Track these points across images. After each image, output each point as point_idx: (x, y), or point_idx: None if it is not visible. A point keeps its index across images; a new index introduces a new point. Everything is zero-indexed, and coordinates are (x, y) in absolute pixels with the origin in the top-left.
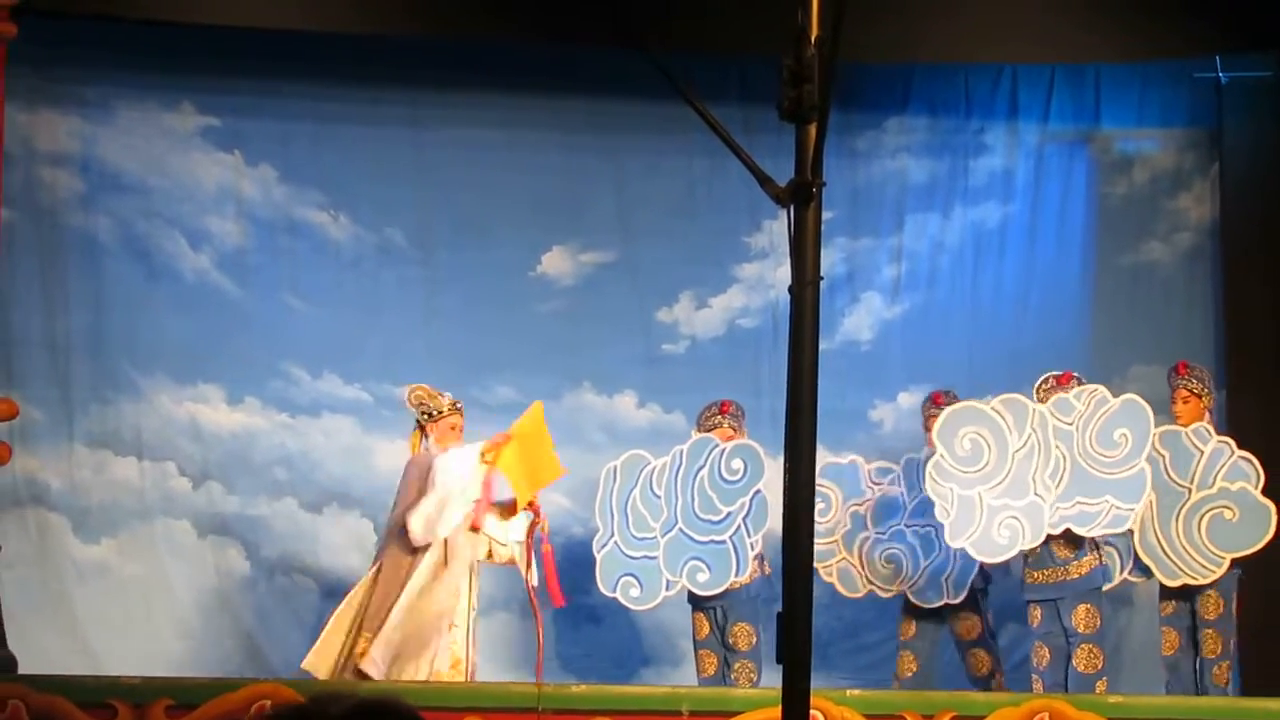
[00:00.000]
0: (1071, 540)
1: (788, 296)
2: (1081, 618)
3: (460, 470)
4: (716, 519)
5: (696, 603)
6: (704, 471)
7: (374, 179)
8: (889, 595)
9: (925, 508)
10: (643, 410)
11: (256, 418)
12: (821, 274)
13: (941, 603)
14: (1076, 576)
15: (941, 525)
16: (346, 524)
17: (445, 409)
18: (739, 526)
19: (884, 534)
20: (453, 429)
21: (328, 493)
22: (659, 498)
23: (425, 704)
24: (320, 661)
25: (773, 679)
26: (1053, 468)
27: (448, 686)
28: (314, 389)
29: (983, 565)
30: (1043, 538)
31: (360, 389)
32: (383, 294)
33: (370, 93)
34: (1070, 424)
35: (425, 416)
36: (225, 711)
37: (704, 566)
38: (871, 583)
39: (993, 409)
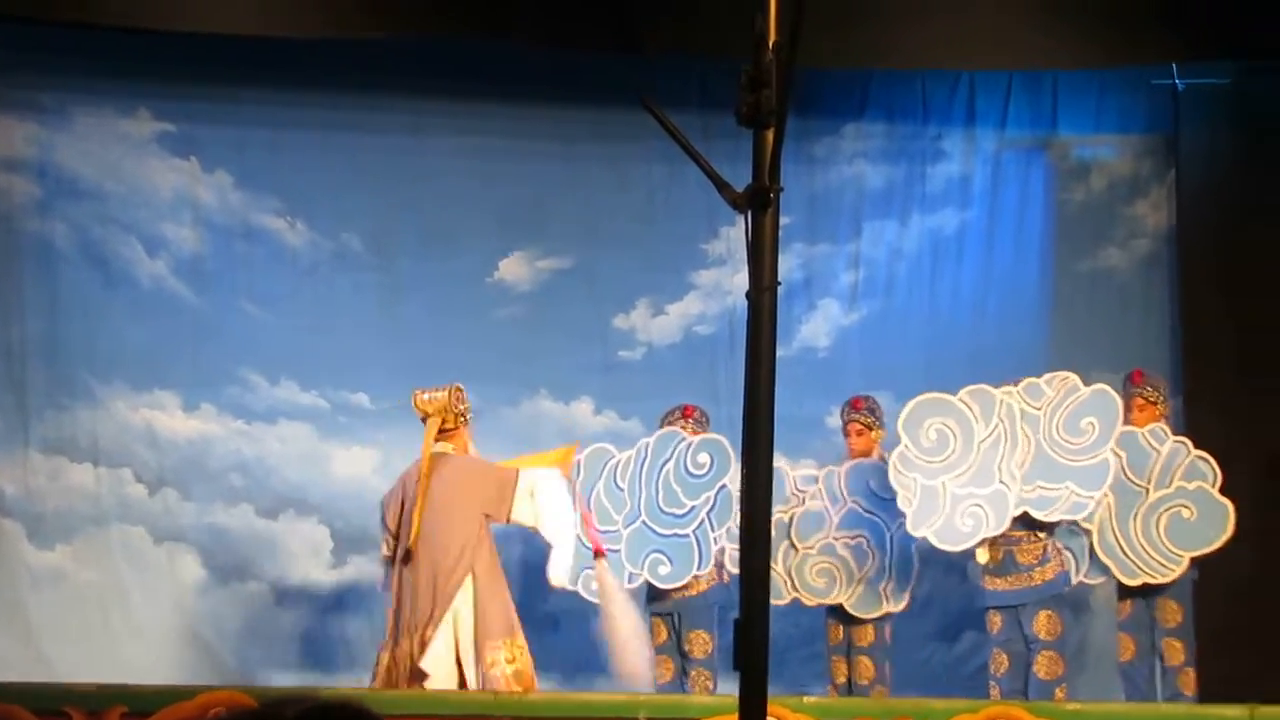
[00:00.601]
0: (1034, 545)
1: (745, 303)
2: (1043, 624)
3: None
4: (680, 512)
5: (654, 608)
6: (669, 465)
7: (331, 185)
8: (821, 604)
9: (853, 519)
10: (599, 417)
11: (213, 424)
12: (779, 280)
13: (882, 611)
14: (1040, 583)
15: (878, 531)
16: (302, 531)
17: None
18: (703, 520)
19: (811, 549)
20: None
21: (284, 499)
22: (622, 490)
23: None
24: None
25: (730, 687)
26: (1019, 456)
27: (397, 695)
28: (270, 396)
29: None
30: (1007, 525)
31: (317, 396)
32: (339, 300)
33: (327, 98)
34: (1039, 409)
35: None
36: (180, 718)
37: (665, 559)
38: (797, 591)
39: (960, 400)
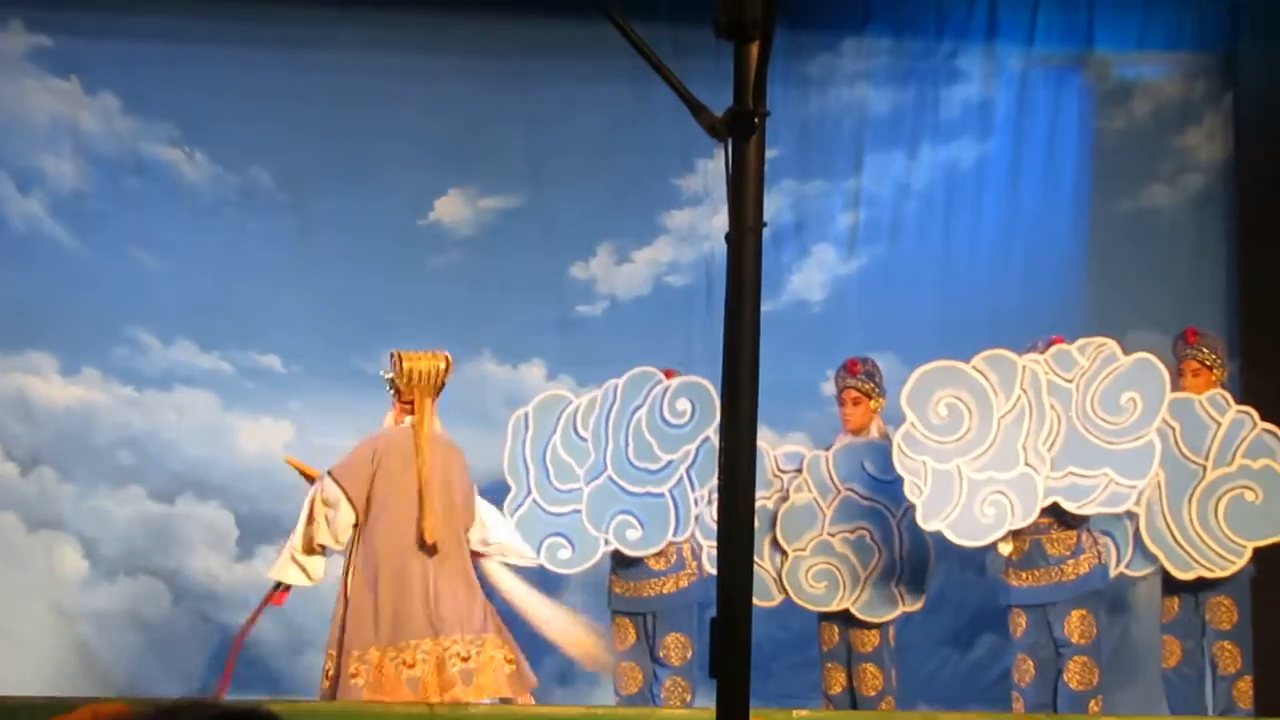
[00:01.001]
0: (1065, 533)
1: (724, 248)
2: (1075, 626)
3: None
4: (655, 468)
5: (620, 606)
6: (642, 412)
7: (236, 110)
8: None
9: (850, 509)
10: (553, 383)
11: (96, 392)
12: (765, 221)
13: (898, 613)
14: (1073, 578)
15: (881, 520)
16: (203, 516)
17: (402, 384)
18: (681, 478)
19: (804, 550)
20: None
21: (181, 480)
22: (585, 441)
23: None
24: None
25: (708, 700)
26: (1046, 433)
27: (320, 706)
28: (165, 358)
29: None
30: (1035, 515)
31: (220, 358)
32: (246, 245)
33: (232, 9)
34: (1070, 381)
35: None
36: None
37: (635, 523)
38: (789, 594)
39: (974, 368)
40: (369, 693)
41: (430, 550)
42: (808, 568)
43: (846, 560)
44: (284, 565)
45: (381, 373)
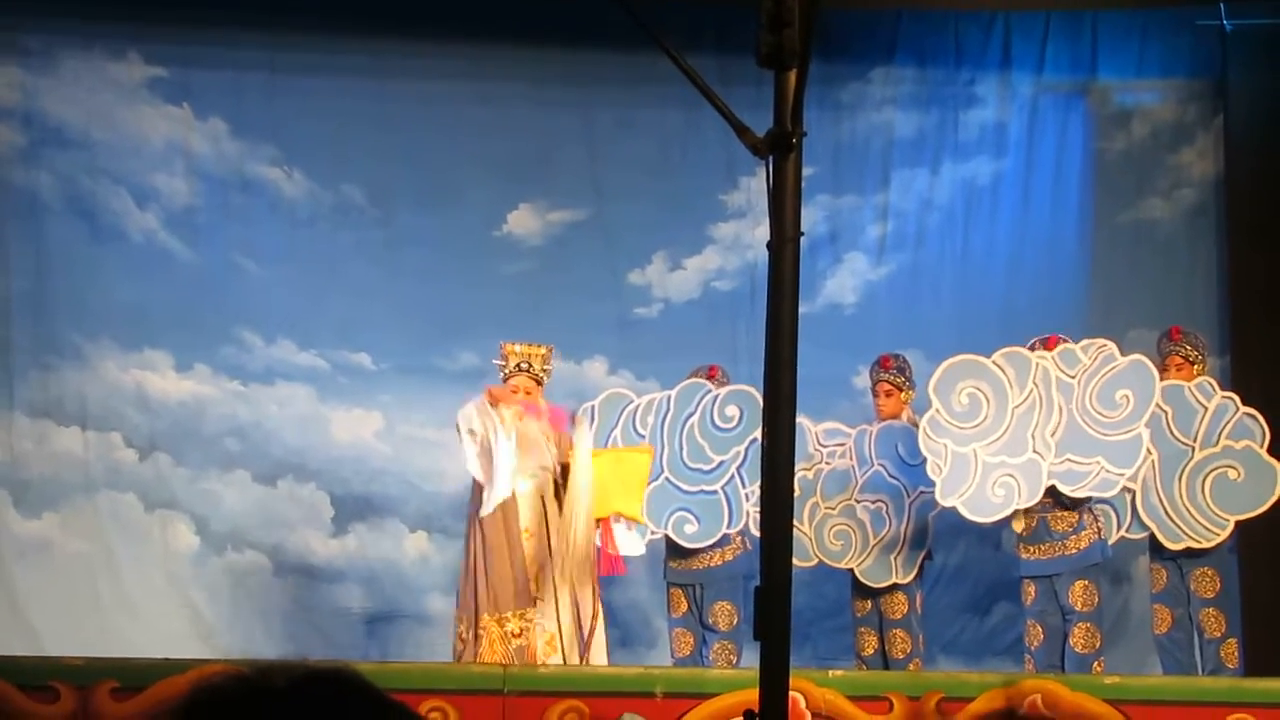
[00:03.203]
0: (1068, 513)
1: (766, 257)
2: (1079, 595)
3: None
4: (708, 468)
5: (674, 579)
6: (694, 419)
7: (331, 134)
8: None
9: (876, 483)
10: (614, 377)
11: (206, 386)
12: (802, 231)
13: (890, 582)
14: (1075, 551)
15: (898, 497)
16: (301, 497)
17: (509, 370)
18: (732, 476)
19: (833, 509)
20: (515, 391)
21: (282, 464)
22: (643, 437)
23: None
24: None
25: (753, 661)
26: (1053, 424)
27: (407, 667)
28: (267, 355)
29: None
30: (1039, 497)
31: (316, 355)
32: (339, 255)
33: (328, 41)
34: (1073, 377)
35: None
36: (172, 694)
37: (692, 518)
38: (819, 554)
39: (994, 363)
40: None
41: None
42: (832, 526)
43: (863, 526)
44: None
45: (494, 361)
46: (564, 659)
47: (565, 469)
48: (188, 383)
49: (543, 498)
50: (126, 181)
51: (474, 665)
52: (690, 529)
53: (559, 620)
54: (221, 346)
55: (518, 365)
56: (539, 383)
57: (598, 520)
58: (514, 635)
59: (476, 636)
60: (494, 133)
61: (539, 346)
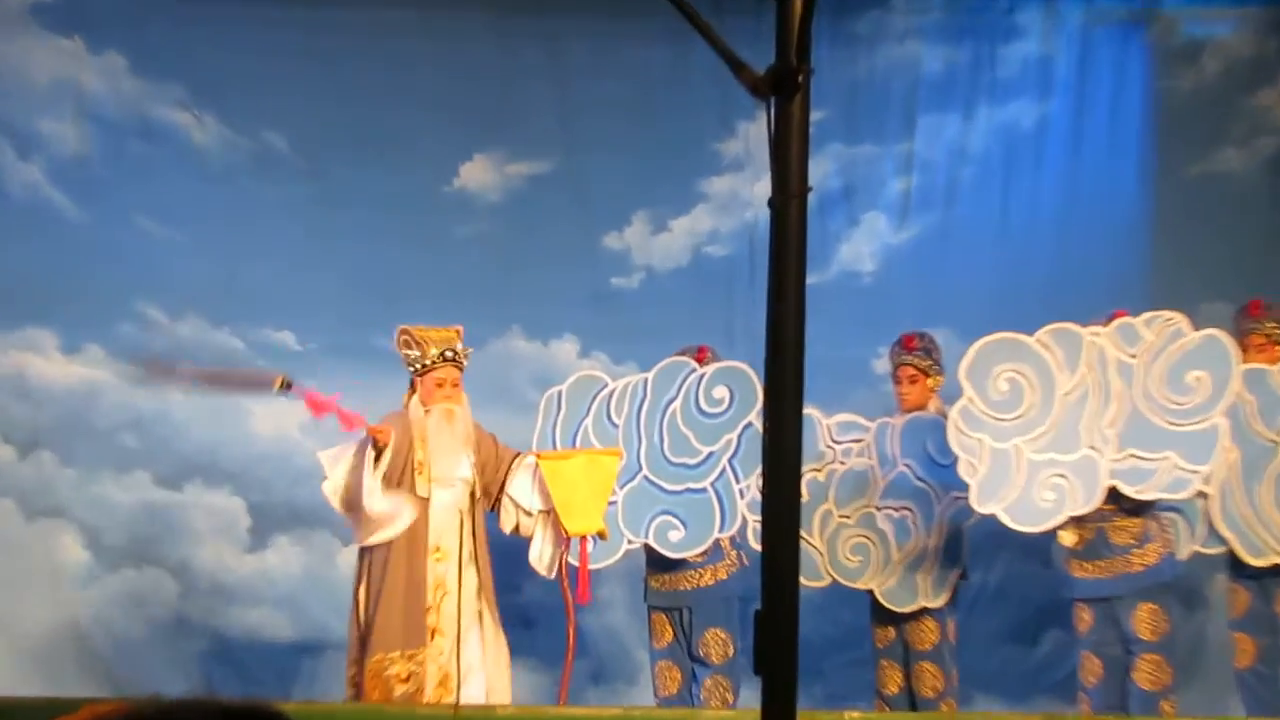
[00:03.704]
0: (1130, 520)
1: (767, 216)
2: (1145, 621)
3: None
4: (693, 462)
5: (656, 602)
6: (676, 404)
7: (250, 70)
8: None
9: (900, 486)
10: (586, 360)
11: (99, 370)
12: (810, 186)
13: (916, 606)
14: (1140, 569)
15: (927, 505)
16: (213, 504)
17: (430, 360)
18: (723, 470)
19: (849, 517)
20: (439, 385)
21: (189, 465)
22: (616, 428)
23: None
24: None
25: (753, 700)
26: (1111, 414)
27: (335, 709)
28: (174, 334)
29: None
30: (1097, 501)
31: (231, 334)
32: (260, 215)
33: None
34: (1134, 356)
35: (410, 370)
36: None
37: (677, 523)
38: (832, 573)
39: (1039, 341)
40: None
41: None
42: (847, 538)
43: (885, 538)
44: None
45: (401, 350)
46: (456, 704)
47: (501, 483)
48: (77, 367)
49: (460, 513)
50: (6, 127)
51: (419, 707)
52: (675, 536)
53: (458, 658)
54: (118, 323)
55: (442, 354)
56: (460, 371)
57: (569, 537)
58: (399, 679)
59: (358, 682)
60: (445, 70)
61: (449, 329)
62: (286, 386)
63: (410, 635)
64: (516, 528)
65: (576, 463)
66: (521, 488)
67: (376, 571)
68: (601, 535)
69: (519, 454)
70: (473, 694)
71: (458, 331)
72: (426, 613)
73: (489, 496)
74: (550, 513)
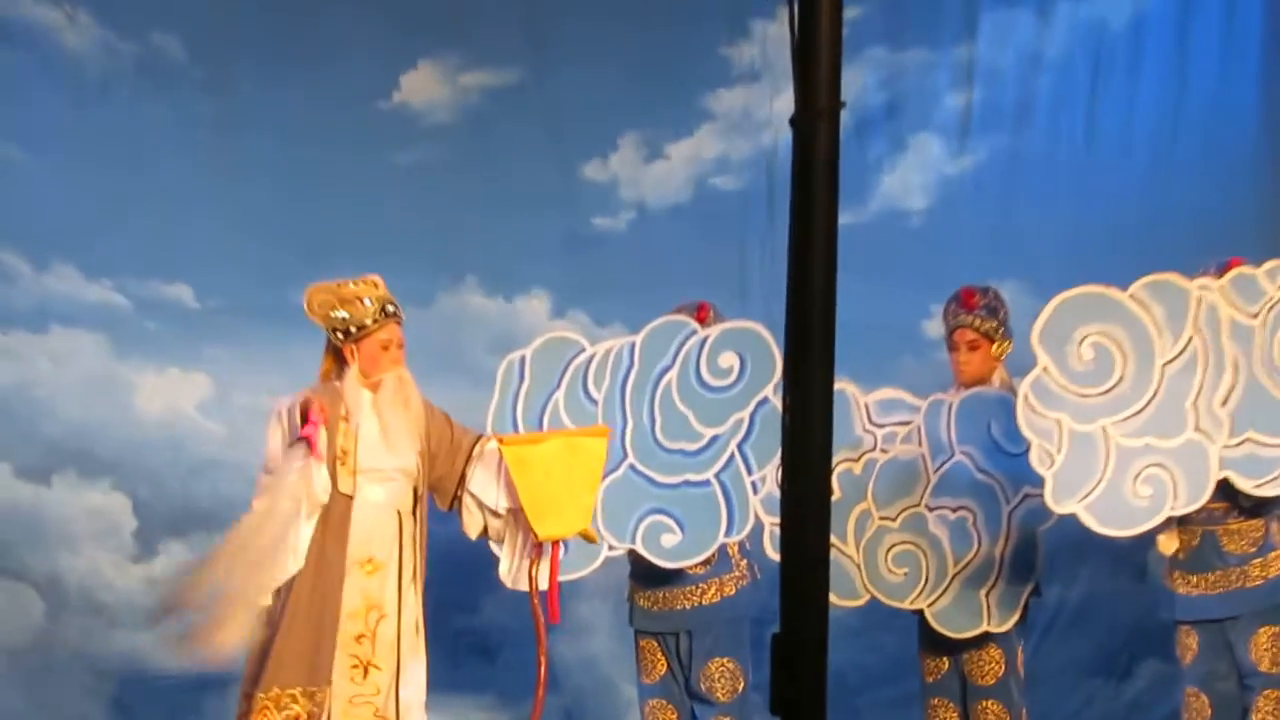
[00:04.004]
0: (1248, 523)
1: (790, 139)
2: (1265, 649)
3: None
4: (693, 447)
5: (644, 624)
6: (672, 374)
7: None
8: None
9: (957, 480)
10: (560, 320)
11: None
12: (844, 101)
13: (979, 630)
14: (1259, 583)
15: (992, 502)
16: (89, 502)
17: (370, 319)
18: (731, 457)
19: (893, 520)
20: (385, 348)
21: (59, 452)
22: (595, 404)
23: None
24: None
25: None
26: (1224, 389)
27: None
28: (38, 288)
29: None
30: (1205, 498)
31: (111, 289)
32: (148, 139)
33: None
34: (1255, 316)
35: (341, 336)
36: None
37: (672, 524)
38: (871, 589)
39: (1133, 297)
40: None
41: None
42: (891, 546)
43: (938, 546)
44: None
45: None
46: None
47: (460, 476)
48: None
49: (399, 514)
50: None
51: None
52: (669, 540)
53: (396, 698)
54: None
55: (383, 308)
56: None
57: (540, 543)
58: None
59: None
60: None
61: (366, 279)
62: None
63: (317, 669)
64: (484, 531)
65: (550, 448)
66: (485, 481)
67: (283, 585)
68: (588, 538)
69: (481, 437)
70: None
71: (376, 282)
72: (358, 640)
73: (443, 493)
74: (519, 512)
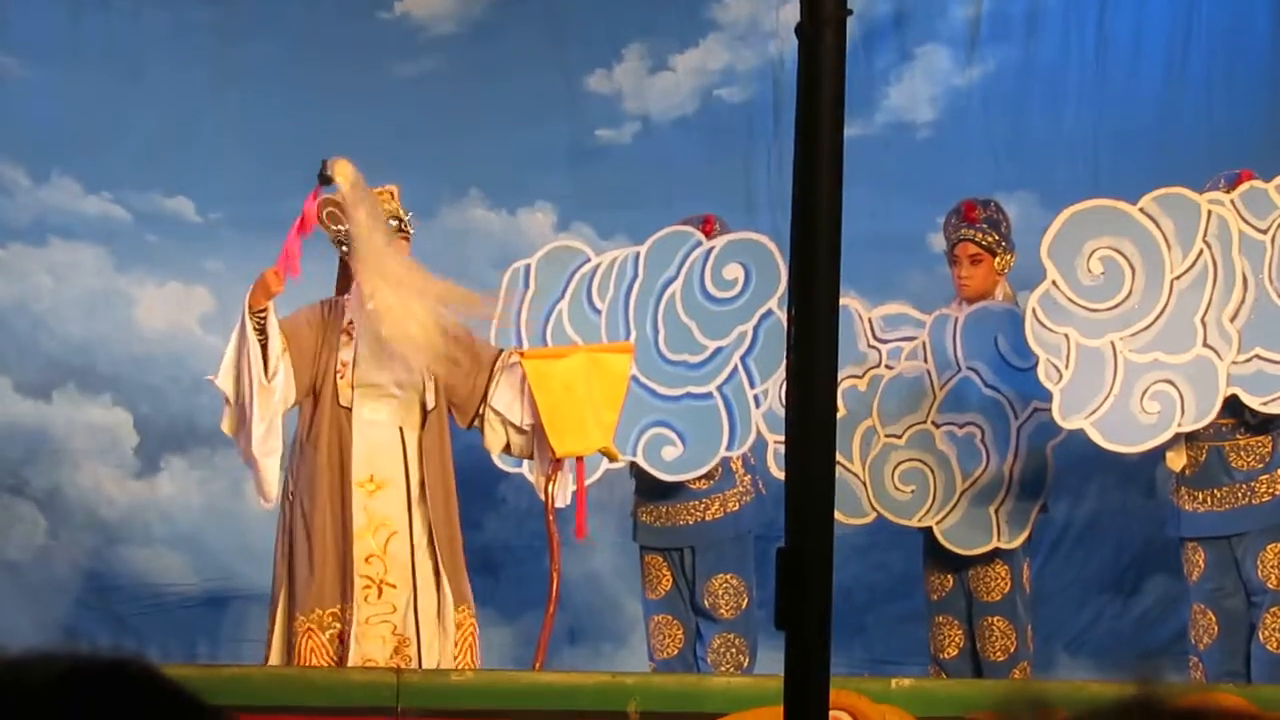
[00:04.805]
0: (1255, 439)
1: (795, 50)
2: (1273, 565)
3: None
4: (696, 359)
5: (648, 540)
6: (676, 286)
7: None
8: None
9: (964, 396)
10: (565, 233)
11: None
12: (850, 9)
13: (987, 547)
14: (1267, 499)
15: (1000, 418)
16: (90, 418)
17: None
18: (734, 370)
19: (899, 437)
20: None
21: (59, 368)
22: (599, 314)
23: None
24: None
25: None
26: (1234, 304)
27: (248, 671)
28: (35, 201)
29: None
30: (1214, 414)
31: (110, 200)
32: (147, 47)
33: None
34: (1264, 232)
35: (344, 248)
36: None
37: (674, 436)
38: (878, 507)
39: (1142, 210)
40: None
41: None
42: (897, 463)
43: (946, 463)
44: None
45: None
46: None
47: (483, 392)
48: None
49: (401, 430)
50: None
51: (352, 670)
52: (670, 453)
53: (416, 615)
54: None
55: (396, 224)
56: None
57: (558, 460)
58: (324, 642)
59: (289, 644)
60: None
61: (381, 190)
62: None
63: (343, 587)
64: (507, 447)
65: (572, 363)
66: (509, 397)
67: (295, 506)
68: (609, 455)
69: (502, 351)
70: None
71: (392, 193)
72: (368, 561)
73: (464, 410)
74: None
